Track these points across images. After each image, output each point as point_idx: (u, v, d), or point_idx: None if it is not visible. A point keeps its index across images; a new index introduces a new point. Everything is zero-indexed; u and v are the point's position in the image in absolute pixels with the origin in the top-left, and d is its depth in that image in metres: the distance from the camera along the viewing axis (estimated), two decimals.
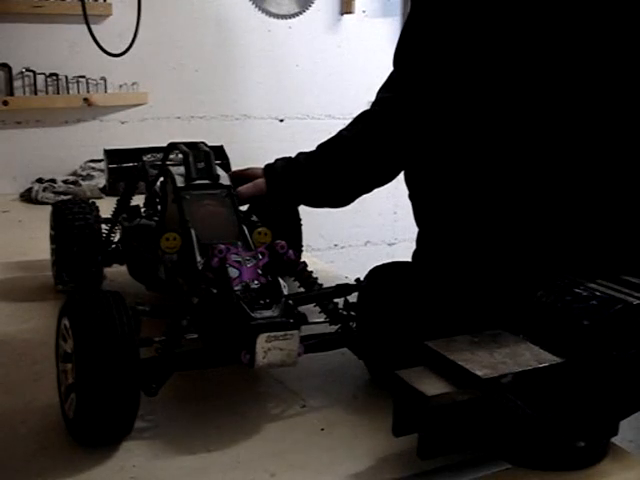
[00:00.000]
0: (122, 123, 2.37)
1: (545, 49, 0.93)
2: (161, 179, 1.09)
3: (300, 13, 2.57)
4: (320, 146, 1.22)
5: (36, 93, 2.18)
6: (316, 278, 0.93)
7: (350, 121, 1.24)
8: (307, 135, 2.55)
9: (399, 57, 1.16)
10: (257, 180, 1.17)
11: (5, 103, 2.13)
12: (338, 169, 1.18)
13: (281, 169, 1.19)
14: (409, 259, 1.01)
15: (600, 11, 0.90)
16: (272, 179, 1.17)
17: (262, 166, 1.22)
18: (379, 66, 2.74)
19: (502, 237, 0.99)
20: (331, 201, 1.22)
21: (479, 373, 0.67)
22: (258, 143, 2.52)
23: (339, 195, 1.22)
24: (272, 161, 1.22)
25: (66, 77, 2.21)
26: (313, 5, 2.57)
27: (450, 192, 1.05)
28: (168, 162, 1.08)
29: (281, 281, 0.84)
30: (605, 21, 0.90)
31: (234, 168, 1.28)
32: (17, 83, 2.17)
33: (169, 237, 0.93)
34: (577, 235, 0.94)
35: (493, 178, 0.99)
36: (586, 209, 0.94)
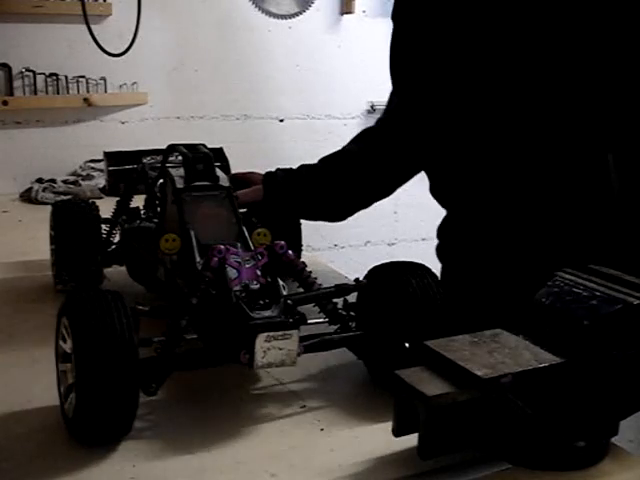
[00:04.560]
0: (122, 123, 2.37)
1: (536, 47, 0.93)
2: (161, 181, 1.09)
3: (300, 13, 2.57)
4: (323, 160, 1.22)
5: (36, 93, 2.19)
6: (316, 278, 0.93)
7: (353, 137, 1.26)
8: (307, 135, 2.55)
9: (394, 72, 1.17)
10: (255, 186, 1.18)
11: (5, 103, 2.13)
12: (340, 183, 1.18)
13: (281, 179, 1.19)
14: (409, 259, 1.01)
15: (594, 11, 0.90)
16: (270, 187, 1.18)
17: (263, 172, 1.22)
18: (379, 66, 2.75)
19: (514, 234, 1.00)
20: (328, 215, 1.23)
21: (479, 373, 0.67)
22: (258, 143, 2.52)
23: (337, 209, 1.23)
24: (273, 169, 1.22)
25: (66, 77, 2.21)
26: (313, 5, 2.57)
27: (468, 187, 1.06)
28: (168, 164, 1.08)
29: (280, 281, 0.84)
30: (600, 20, 0.90)
31: (234, 168, 1.28)
32: (17, 83, 2.17)
33: (168, 238, 0.93)
34: (590, 234, 0.95)
35: (500, 175, 0.99)
36: (597, 207, 0.95)
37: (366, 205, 1.25)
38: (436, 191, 1.18)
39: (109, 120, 2.34)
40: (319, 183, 1.19)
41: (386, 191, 1.24)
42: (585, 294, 0.75)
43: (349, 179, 1.19)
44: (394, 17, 1.13)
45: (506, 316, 0.78)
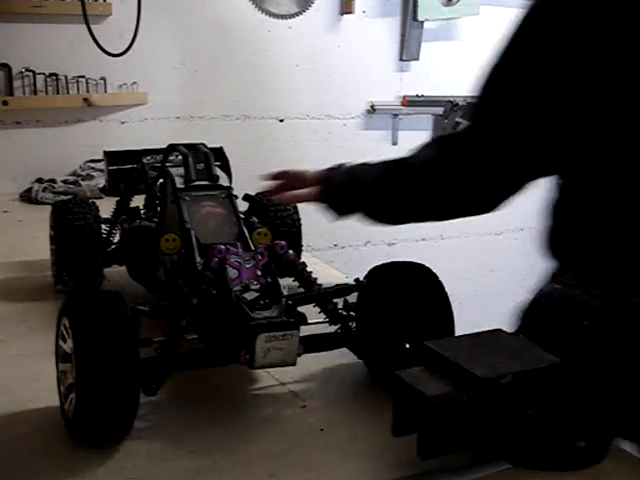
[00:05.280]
0: (122, 123, 2.37)
1: None
2: (161, 180, 1.10)
3: (300, 13, 2.57)
4: (393, 164, 1.06)
5: (36, 93, 2.18)
6: (316, 278, 0.93)
7: (424, 144, 1.05)
8: (307, 135, 2.54)
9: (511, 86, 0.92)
10: (314, 188, 1.05)
11: (5, 103, 2.13)
12: (410, 195, 1.02)
13: (342, 184, 1.05)
14: (409, 259, 1.00)
15: None
16: (330, 192, 1.05)
17: (310, 170, 1.08)
18: (379, 66, 2.75)
19: None
20: (388, 221, 1.08)
21: (479, 373, 0.67)
22: (258, 143, 2.51)
23: (400, 218, 1.07)
24: (329, 168, 1.08)
25: (66, 77, 2.21)
26: (313, 5, 2.57)
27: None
28: (168, 164, 1.08)
29: (280, 281, 0.84)
30: None
31: (234, 168, 1.28)
32: (17, 83, 2.17)
33: (169, 238, 0.93)
34: None
35: None
36: None
37: (434, 218, 1.07)
38: (559, 236, 0.92)
39: (109, 120, 2.34)
40: (386, 193, 1.03)
41: (466, 208, 1.02)
42: (585, 294, 0.75)
43: (421, 189, 1.01)
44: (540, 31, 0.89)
45: None
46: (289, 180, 1.06)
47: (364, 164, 1.08)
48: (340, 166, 1.08)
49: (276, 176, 1.04)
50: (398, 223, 1.09)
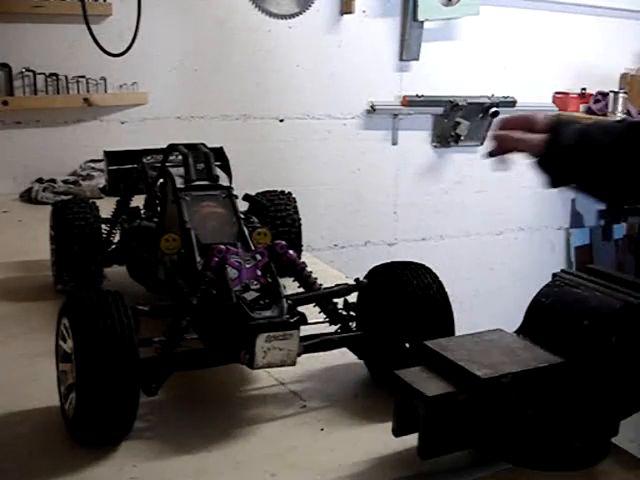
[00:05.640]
0: (122, 123, 2.37)
1: None
2: (161, 180, 1.10)
3: (300, 13, 2.57)
4: (636, 126, 0.95)
5: (36, 93, 2.18)
6: (316, 278, 0.93)
7: None
8: (307, 135, 2.54)
9: None
10: (541, 136, 0.94)
11: (5, 103, 2.13)
12: None
13: (572, 144, 0.93)
14: (409, 259, 1.00)
15: None
16: (556, 148, 0.93)
17: (545, 116, 0.99)
18: (379, 66, 2.75)
19: None
20: (611, 197, 0.98)
21: (479, 373, 0.67)
22: (258, 143, 2.51)
23: (632, 195, 0.96)
24: (560, 120, 0.98)
25: (66, 77, 2.21)
26: (313, 5, 2.57)
27: None
28: (168, 164, 1.08)
29: (280, 281, 0.84)
30: None
31: (234, 168, 1.28)
32: (17, 83, 2.17)
33: (169, 238, 0.93)
34: None
35: None
36: None
37: None
38: None
39: (109, 120, 2.34)
40: (629, 158, 0.91)
41: None
42: (585, 294, 0.75)
43: None
44: None
45: None
46: (516, 123, 0.97)
47: (598, 124, 0.96)
48: (571, 122, 0.97)
49: (505, 125, 0.96)
50: (623, 202, 1.00)
